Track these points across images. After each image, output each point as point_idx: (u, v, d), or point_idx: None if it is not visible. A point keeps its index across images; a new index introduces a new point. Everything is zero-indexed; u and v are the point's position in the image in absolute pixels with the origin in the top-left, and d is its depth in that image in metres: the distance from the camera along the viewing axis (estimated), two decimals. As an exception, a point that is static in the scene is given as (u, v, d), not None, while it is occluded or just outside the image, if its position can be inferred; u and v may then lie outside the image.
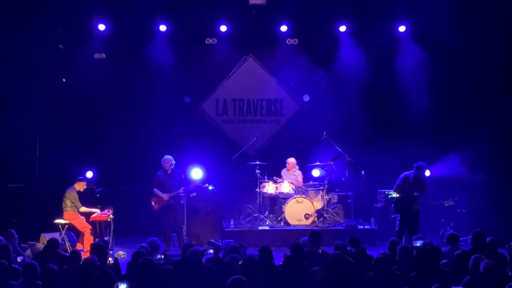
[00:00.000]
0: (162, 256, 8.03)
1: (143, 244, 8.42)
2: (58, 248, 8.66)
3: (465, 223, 12.09)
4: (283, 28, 13.96)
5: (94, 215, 11.68)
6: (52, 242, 8.57)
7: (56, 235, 11.04)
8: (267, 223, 12.53)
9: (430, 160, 12.79)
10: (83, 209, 11.62)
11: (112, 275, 6.39)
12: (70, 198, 11.53)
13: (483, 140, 12.92)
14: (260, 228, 12.29)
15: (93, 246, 8.16)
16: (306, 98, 14.52)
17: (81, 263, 7.56)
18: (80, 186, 11.77)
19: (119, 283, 6.08)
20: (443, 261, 7.37)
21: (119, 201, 12.89)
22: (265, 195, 12.96)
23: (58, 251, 8.56)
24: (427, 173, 12.79)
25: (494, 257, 7.26)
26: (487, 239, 8.00)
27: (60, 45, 13.47)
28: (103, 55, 13.89)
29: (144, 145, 13.45)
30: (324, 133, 12.77)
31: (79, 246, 11.17)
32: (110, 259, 7.95)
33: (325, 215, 12.59)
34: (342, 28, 13.97)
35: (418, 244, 8.57)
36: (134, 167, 13.45)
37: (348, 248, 8.11)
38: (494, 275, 6.26)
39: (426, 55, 13.57)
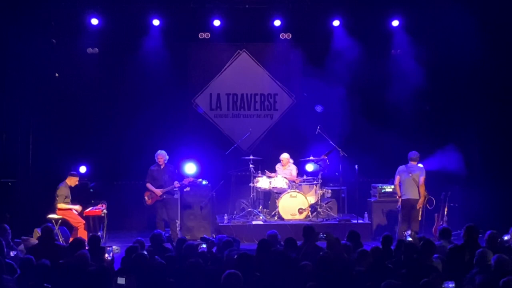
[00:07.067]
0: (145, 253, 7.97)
1: (139, 238, 8.43)
2: (53, 235, 8.64)
3: (458, 217, 12.14)
4: (277, 23, 13.94)
5: (75, 211, 11.51)
6: (46, 230, 8.49)
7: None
8: (261, 217, 12.54)
9: (423, 154, 12.85)
10: (62, 205, 11.37)
11: (109, 271, 6.41)
12: (58, 192, 11.45)
13: (477, 134, 12.99)
14: (254, 222, 12.29)
15: (72, 243, 8.18)
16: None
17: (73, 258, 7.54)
18: (72, 181, 11.69)
19: (118, 277, 6.12)
20: (435, 255, 7.40)
21: (113, 196, 12.87)
22: (259, 189, 12.97)
23: (56, 243, 8.56)
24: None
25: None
26: (487, 233, 7.99)
27: (53, 40, 13.43)
28: (96, 50, 13.89)
29: (137, 140, 13.43)
30: (318, 127, 12.77)
31: (72, 241, 11.13)
32: (106, 255, 7.93)
33: (318, 209, 12.61)
34: (336, 23, 13.97)
35: (410, 238, 8.63)
36: (128, 162, 13.42)
37: (343, 241, 8.14)
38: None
39: (420, 49, 13.60)
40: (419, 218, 11.28)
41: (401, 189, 11.41)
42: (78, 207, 11.56)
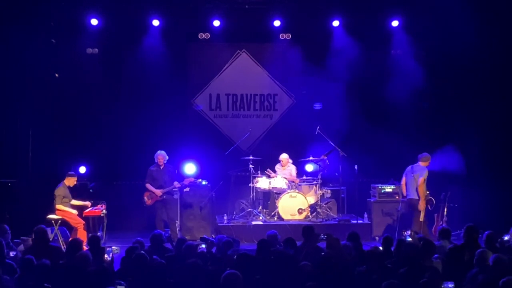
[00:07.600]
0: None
1: (139, 238, 8.43)
2: (47, 236, 8.62)
3: (458, 217, 12.14)
4: (276, 23, 13.96)
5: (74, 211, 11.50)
6: (38, 232, 8.47)
7: (48, 230, 10.98)
8: (261, 218, 12.54)
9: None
10: (60, 206, 11.33)
11: (109, 271, 6.40)
12: (55, 193, 11.43)
13: (477, 134, 12.97)
14: (253, 223, 12.28)
15: (69, 244, 8.16)
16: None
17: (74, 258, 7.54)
18: (70, 181, 11.63)
19: (118, 286, 6.11)
20: (435, 255, 7.40)
21: (112, 196, 12.88)
22: (258, 190, 12.96)
23: (50, 244, 8.55)
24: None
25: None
26: (485, 233, 7.99)
27: (53, 40, 13.43)
28: (96, 50, 13.88)
29: (137, 140, 13.43)
30: (318, 127, 12.77)
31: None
32: (106, 255, 7.93)
33: (318, 209, 12.60)
34: (335, 23, 13.99)
35: (409, 239, 8.62)
36: (128, 162, 13.41)
37: (343, 242, 8.13)
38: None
39: (420, 49, 13.60)
40: (421, 219, 11.26)
41: (406, 189, 11.50)
42: (74, 211, 11.45)
